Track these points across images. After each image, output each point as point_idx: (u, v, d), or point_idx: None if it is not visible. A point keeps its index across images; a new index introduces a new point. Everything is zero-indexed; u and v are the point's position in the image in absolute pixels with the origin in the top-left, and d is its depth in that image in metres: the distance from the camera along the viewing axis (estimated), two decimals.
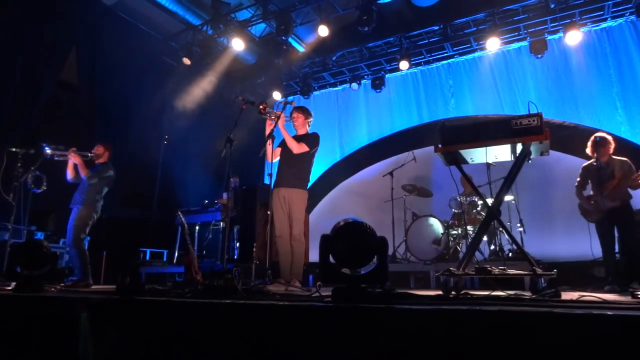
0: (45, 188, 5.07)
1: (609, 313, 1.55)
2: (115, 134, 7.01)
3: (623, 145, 6.66)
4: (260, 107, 4.54)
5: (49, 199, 5.42)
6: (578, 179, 5.15)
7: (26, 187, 4.92)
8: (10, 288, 3.57)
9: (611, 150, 4.92)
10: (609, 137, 4.97)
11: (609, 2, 7.06)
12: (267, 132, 4.56)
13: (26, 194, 4.93)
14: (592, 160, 5.05)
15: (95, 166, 5.37)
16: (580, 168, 5.18)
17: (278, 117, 4.52)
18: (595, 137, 5.01)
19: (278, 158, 4.77)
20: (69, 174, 5.33)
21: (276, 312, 2.04)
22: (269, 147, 4.59)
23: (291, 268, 4.45)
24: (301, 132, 4.84)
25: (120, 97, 7.23)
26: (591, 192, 5.06)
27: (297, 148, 4.58)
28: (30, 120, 6.28)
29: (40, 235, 5.87)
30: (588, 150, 5.04)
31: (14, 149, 4.88)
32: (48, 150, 5.09)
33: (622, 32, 7.37)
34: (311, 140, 4.70)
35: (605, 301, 2.18)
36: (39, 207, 5.38)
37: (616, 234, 4.82)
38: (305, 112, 4.89)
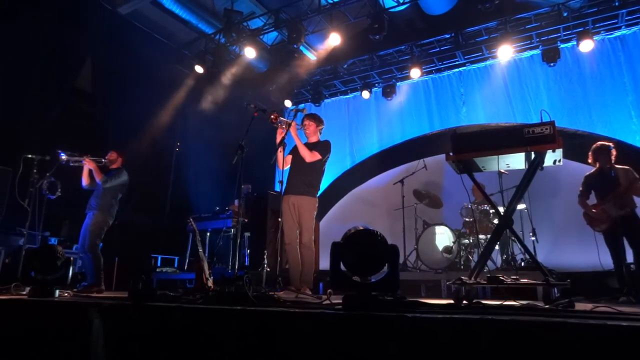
0: (59, 194, 5.14)
1: (624, 324, 1.52)
2: (129, 141, 7.09)
3: (637, 155, 6.59)
4: (272, 116, 4.56)
5: (63, 205, 5.49)
6: (580, 189, 5.10)
7: (41, 193, 4.99)
8: (24, 293, 3.62)
9: (613, 159, 4.88)
10: (611, 144, 4.94)
11: (623, 11, 7.01)
12: (278, 140, 4.58)
13: (41, 199, 4.99)
14: (594, 170, 5.01)
15: (110, 171, 5.47)
16: (582, 177, 5.14)
17: (289, 125, 4.54)
18: (596, 145, 4.99)
19: (289, 165, 4.78)
20: (84, 180, 5.42)
21: (287, 319, 2.04)
22: (279, 155, 4.61)
23: (301, 276, 4.44)
24: (312, 139, 4.86)
25: (134, 104, 7.32)
26: (595, 202, 5.01)
27: (310, 157, 4.58)
28: (46, 128, 6.39)
29: (54, 241, 5.95)
30: (589, 160, 5.01)
31: (29, 156, 4.96)
32: (63, 157, 5.18)
33: (637, 41, 7.31)
34: (323, 147, 4.71)
35: (620, 312, 2.15)
36: (53, 213, 5.45)
37: (625, 244, 4.77)
38: (317, 119, 4.90)
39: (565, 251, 6.66)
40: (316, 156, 4.60)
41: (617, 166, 4.87)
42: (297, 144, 4.63)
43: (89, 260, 5.13)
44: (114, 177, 5.40)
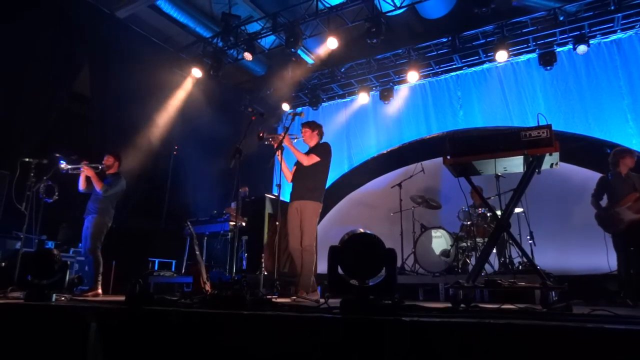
0: (56, 198, 5.13)
1: (621, 327, 1.53)
2: (126, 145, 7.08)
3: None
4: (260, 134, 4.59)
5: (60, 209, 5.48)
6: (595, 189, 5.10)
7: (38, 196, 4.98)
8: (21, 297, 3.60)
9: (632, 164, 4.89)
10: (634, 151, 4.96)
11: (619, 15, 7.05)
12: (275, 145, 4.61)
13: (38, 203, 4.98)
14: (610, 172, 5.02)
15: (107, 177, 5.46)
16: (598, 179, 5.15)
17: (282, 138, 4.54)
18: (621, 149, 5.00)
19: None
20: (81, 185, 5.43)
21: (284, 323, 2.03)
22: (282, 158, 4.62)
23: (300, 279, 4.44)
24: (311, 144, 4.87)
25: (131, 108, 7.32)
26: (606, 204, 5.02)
27: (307, 160, 4.61)
28: (44, 131, 6.38)
29: (50, 245, 5.93)
30: (610, 160, 5.01)
31: (27, 159, 4.95)
32: (63, 165, 5.19)
33: (632, 44, 7.35)
34: (321, 150, 4.73)
35: (617, 316, 2.15)
36: (50, 217, 5.43)
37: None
38: (312, 125, 4.91)
39: (562, 254, 6.66)
40: (313, 158, 4.62)
41: (632, 173, 4.90)
42: (292, 151, 4.66)
43: (91, 263, 5.14)
44: (114, 185, 5.42)
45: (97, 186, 5.27)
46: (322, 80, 9.83)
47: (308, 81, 9.86)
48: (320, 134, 4.92)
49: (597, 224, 5.03)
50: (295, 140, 4.77)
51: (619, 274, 4.84)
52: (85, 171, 5.33)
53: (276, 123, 10.60)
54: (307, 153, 4.68)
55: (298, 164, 4.74)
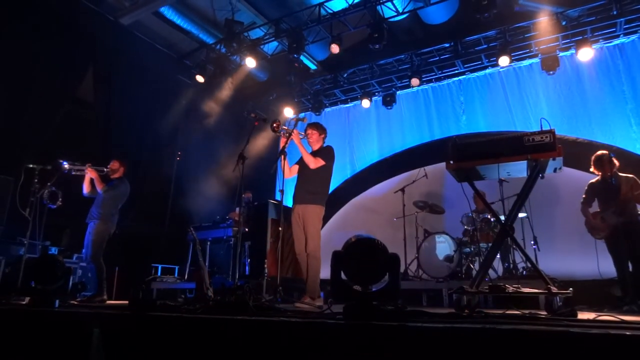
0: (60, 203, 5.14)
1: (627, 333, 1.51)
2: (130, 151, 7.10)
3: (638, 162, 6.58)
4: (274, 124, 4.57)
5: (64, 215, 5.49)
6: (584, 196, 5.10)
7: (42, 202, 5.00)
8: (24, 303, 3.61)
9: (616, 167, 4.88)
10: (610, 153, 4.95)
11: (621, 19, 7.05)
12: (281, 148, 4.59)
13: (42, 209, 4.99)
14: (597, 178, 5.02)
15: (111, 181, 5.49)
16: (586, 185, 5.14)
17: (290, 134, 4.55)
18: (597, 155, 4.99)
19: (296, 175, 4.79)
20: (85, 188, 5.45)
21: (287, 328, 2.03)
22: (284, 163, 4.61)
23: (306, 284, 4.42)
24: (315, 148, 4.87)
25: (135, 114, 7.35)
26: (597, 209, 5.00)
27: (314, 163, 4.60)
28: (48, 137, 6.41)
29: (54, 251, 5.94)
30: (591, 168, 5.02)
31: (31, 165, 4.97)
32: (66, 165, 5.22)
33: (635, 49, 7.34)
34: (326, 154, 4.72)
35: (623, 321, 2.13)
36: (54, 223, 5.45)
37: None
38: (319, 128, 4.92)
39: (567, 259, 6.62)
40: (320, 162, 4.61)
41: (620, 174, 4.87)
42: (301, 152, 4.64)
43: (93, 270, 5.14)
44: (115, 187, 5.44)
45: (98, 186, 5.31)
46: (325, 86, 9.86)
47: (311, 86, 9.89)
48: (324, 140, 4.94)
49: (587, 231, 5.03)
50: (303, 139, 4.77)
51: (619, 279, 4.82)
52: (89, 172, 5.37)
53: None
54: (313, 155, 4.68)
55: (301, 166, 4.72)
